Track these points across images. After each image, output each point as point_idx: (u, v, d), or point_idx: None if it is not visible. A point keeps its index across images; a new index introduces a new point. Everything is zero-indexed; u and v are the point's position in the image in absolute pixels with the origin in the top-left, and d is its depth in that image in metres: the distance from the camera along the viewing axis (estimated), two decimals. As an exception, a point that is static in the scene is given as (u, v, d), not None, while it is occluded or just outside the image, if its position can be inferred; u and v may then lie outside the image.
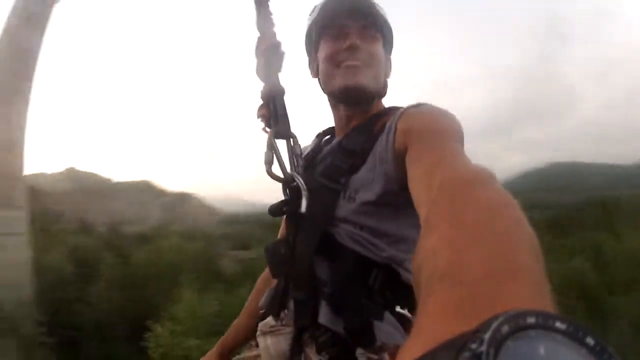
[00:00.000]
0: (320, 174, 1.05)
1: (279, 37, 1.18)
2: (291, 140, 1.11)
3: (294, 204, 1.02)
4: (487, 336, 0.23)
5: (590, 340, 0.24)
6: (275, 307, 1.07)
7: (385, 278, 0.94)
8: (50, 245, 12.34)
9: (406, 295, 0.93)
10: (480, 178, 0.54)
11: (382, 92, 1.16)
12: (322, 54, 1.14)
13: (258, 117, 1.14)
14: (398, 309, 0.94)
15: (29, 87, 10.94)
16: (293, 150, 1.09)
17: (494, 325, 0.24)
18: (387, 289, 0.94)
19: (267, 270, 1.26)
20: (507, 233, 0.40)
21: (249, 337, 1.26)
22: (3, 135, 9.92)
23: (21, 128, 10.60)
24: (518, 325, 0.24)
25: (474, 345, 0.24)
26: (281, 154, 1.07)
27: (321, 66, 1.15)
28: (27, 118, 10.98)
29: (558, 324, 0.25)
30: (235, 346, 1.33)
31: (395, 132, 0.92)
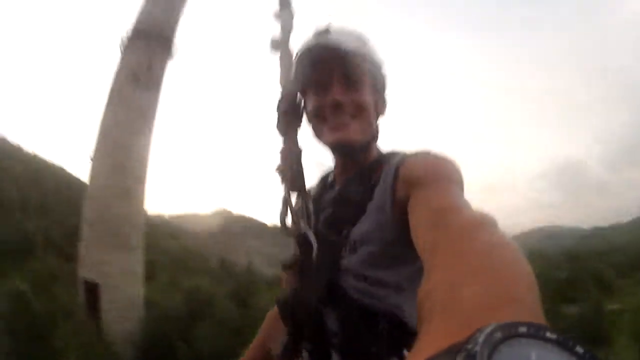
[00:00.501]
0: (323, 224, 1.08)
1: (299, 95, 1.17)
2: (305, 196, 1.10)
3: (304, 257, 1.03)
4: (481, 339, 0.25)
5: (579, 349, 0.26)
6: (288, 356, 1.08)
7: (391, 325, 0.95)
8: (169, 284, 13.52)
9: (412, 340, 0.73)
10: (481, 223, 0.56)
11: (374, 137, 1.16)
12: (308, 107, 1.14)
13: (276, 171, 1.15)
14: (405, 352, 0.94)
15: (146, 141, 12.49)
16: (306, 206, 1.08)
17: (488, 330, 0.26)
18: (394, 335, 0.94)
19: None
20: (503, 269, 0.42)
21: None
22: (122, 185, 11.31)
23: (139, 179, 12.02)
24: (510, 333, 0.26)
25: (469, 346, 0.26)
26: (294, 209, 1.09)
27: (309, 120, 1.15)
28: (146, 169, 12.46)
29: (549, 334, 0.26)
30: None
31: (395, 182, 0.94)
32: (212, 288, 13.54)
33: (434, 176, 0.84)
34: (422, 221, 0.73)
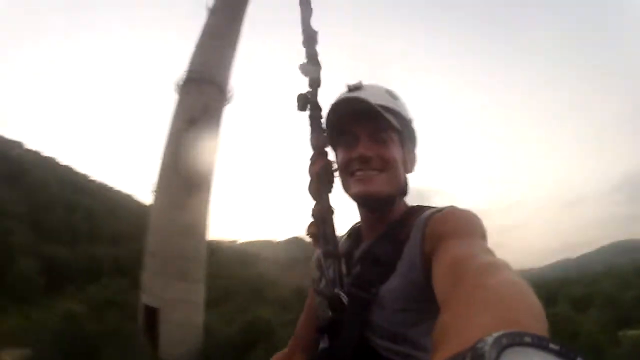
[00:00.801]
0: (352, 284, 1.05)
1: (330, 156, 1.19)
2: (337, 259, 1.10)
3: (336, 317, 1.03)
4: (489, 342, 0.28)
5: None
6: None
7: None
8: (235, 312, 14.03)
9: None
10: (493, 265, 0.60)
11: (402, 191, 1.16)
12: (337, 160, 1.17)
13: (307, 234, 1.17)
14: None
15: (208, 182, 13.41)
16: (339, 269, 1.08)
17: (496, 335, 0.28)
18: None
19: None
20: (513, 302, 0.45)
21: None
22: (184, 221, 12.20)
23: (202, 216, 12.91)
24: (515, 340, 0.28)
25: (479, 345, 0.28)
26: (327, 271, 1.09)
27: (338, 172, 1.16)
28: (209, 208, 13.33)
29: (552, 345, 0.28)
30: None
31: (422, 239, 0.96)
32: (276, 317, 13.77)
33: (455, 230, 0.88)
34: (441, 269, 0.77)
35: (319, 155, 1.18)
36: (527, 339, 0.28)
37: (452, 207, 0.99)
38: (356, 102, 1.06)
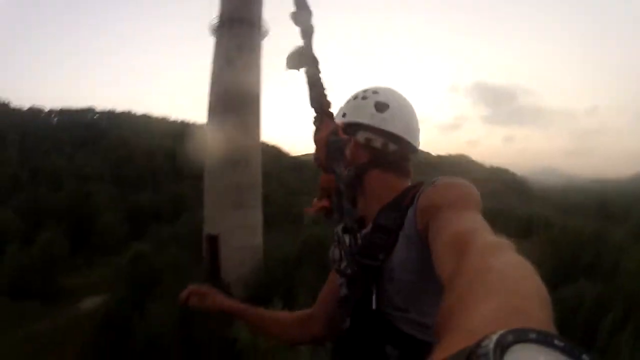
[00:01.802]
0: (360, 253, 1.02)
1: (337, 120, 1.14)
2: (355, 234, 1.05)
3: (354, 295, 1.03)
4: (493, 340, 0.28)
5: (586, 358, 0.27)
6: None
7: None
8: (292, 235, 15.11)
9: None
10: (497, 246, 0.60)
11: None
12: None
13: (315, 209, 1.13)
14: None
15: (257, 115, 14.26)
16: (355, 243, 1.04)
17: (500, 332, 0.29)
18: None
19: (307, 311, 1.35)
20: (517, 288, 0.44)
21: (259, 327, 1.41)
22: (238, 155, 13.29)
23: (252, 149, 13.95)
24: (521, 337, 0.28)
25: (483, 343, 0.28)
26: (345, 246, 1.04)
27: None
28: (259, 139, 14.32)
29: (557, 342, 0.28)
30: (252, 319, 1.39)
31: (415, 214, 0.95)
32: (328, 235, 14.65)
33: (450, 202, 0.86)
34: (440, 246, 0.74)
35: (324, 118, 1.13)
36: (532, 336, 0.29)
37: (444, 177, 0.97)
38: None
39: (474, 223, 0.75)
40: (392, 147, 1.11)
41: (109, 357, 9.41)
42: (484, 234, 0.68)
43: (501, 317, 0.38)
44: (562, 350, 0.28)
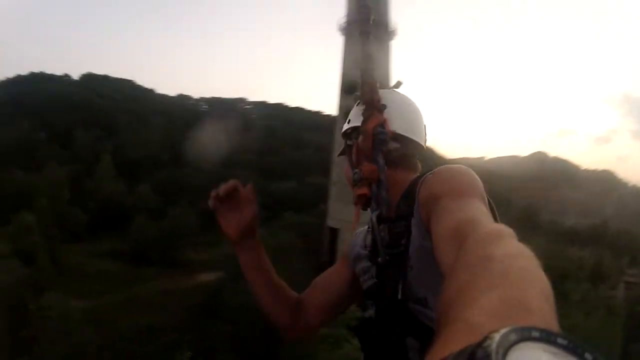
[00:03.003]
0: (384, 246, 1.03)
1: (385, 114, 1.13)
2: (389, 224, 1.05)
3: (382, 285, 1.04)
4: (496, 339, 0.27)
5: (589, 356, 0.27)
6: None
7: None
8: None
9: None
10: (499, 235, 0.58)
11: None
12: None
13: (356, 196, 1.13)
14: None
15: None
16: (388, 235, 1.05)
17: (503, 331, 0.28)
18: None
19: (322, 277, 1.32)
20: (520, 280, 0.43)
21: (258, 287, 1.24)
22: None
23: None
24: (524, 336, 0.28)
25: (485, 344, 0.27)
26: (379, 236, 1.05)
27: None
28: None
29: (560, 340, 0.28)
30: (263, 274, 1.23)
31: (418, 204, 0.96)
32: None
33: (451, 189, 0.86)
34: (441, 236, 0.74)
35: (373, 111, 1.12)
36: (535, 334, 0.28)
37: (445, 166, 0.98)
38: None
39: (474, 211, 0.74)
40: (393, 145, 1.11)
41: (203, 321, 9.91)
42: (485, 223, 0.68)
43: (502, 310, 0.37)
44: (566, 348, 0.28)
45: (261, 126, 48.60)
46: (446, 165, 0.97)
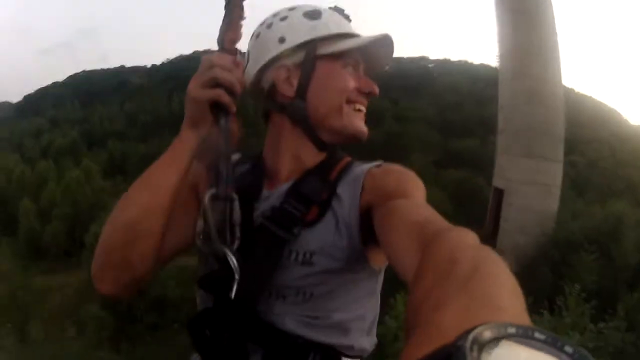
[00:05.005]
0: (267, 216, 0.88)
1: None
2: (231, 204, 0.87)
3: (222, 281, 0.83)
4: (470, 338, 0.25)
5: (568, 349, 0.26)
6: None
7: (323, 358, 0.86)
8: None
9: None
10: (462, 238, 0.57)
11: None
12: (337, 82, 0.93)
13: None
14: None
15: (554, 45, 10.88)
16: (232, 217, 0.86)
17: (477, 330, 0.26)
18: None
19: None
20: (487, 280, 0.42)
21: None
22: (531, 88, 10.37)
23: (551, 82, 10.61)
24: (500, 333, 0.26)
25: (459, 343, 0.26)
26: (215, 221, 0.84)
27: (328, 94, 0.93)
28: (558, 71, 10.88)
29: (537, 334, 0.26)
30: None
31: (362, 192, 0.86)
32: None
33: (400, 188, 0.82)
34: (400, 238, 0.70)
35: (225, 51, 0.87)
36: (511, 330, 0.26)
37: (389, 164, 0.93)
38: (387, 45, 0.95)
39: (434, 214, 0.74)
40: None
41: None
42: (447, 226, 0.67)
43: (473, 310, 0.37)
44: (545, 343, 0.26)
45: (442, 83, 46.64)
46: (389, 163, 0.92)
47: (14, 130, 59.91)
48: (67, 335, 14.07)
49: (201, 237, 0.84)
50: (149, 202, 0.81)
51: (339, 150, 0.97)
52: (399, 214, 0.75)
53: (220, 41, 0.87)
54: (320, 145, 0.94)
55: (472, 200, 16.05)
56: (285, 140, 0.94)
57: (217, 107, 0.84)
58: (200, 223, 0.84)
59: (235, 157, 0.98)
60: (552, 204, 10.00)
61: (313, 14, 0.92)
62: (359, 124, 0.94)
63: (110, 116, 54.48)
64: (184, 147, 0.85)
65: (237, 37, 0.87)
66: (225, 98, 0.82)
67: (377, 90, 0.93)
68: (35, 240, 22.75)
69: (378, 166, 0.90)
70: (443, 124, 37.02)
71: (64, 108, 69.28)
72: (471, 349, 0.25)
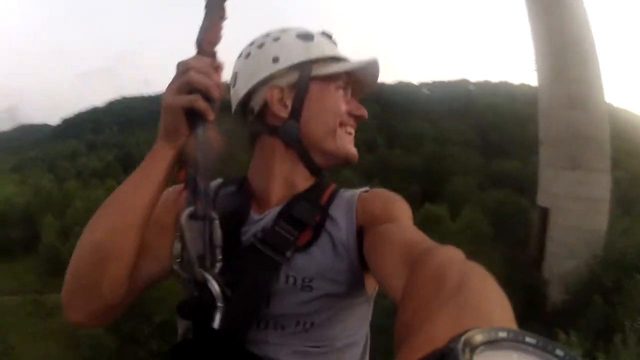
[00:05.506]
0: (259, 238, 0.84)
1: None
2: (211, 224, 0.81)
3: (204, 309, 0.78)
4: (461, 342, 0.26)
5: (559, 352, 0.26)
6: None
7: None
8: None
9: None
10: (449, 256, 0.57)
11: None
12: (331, 104, 0.92)
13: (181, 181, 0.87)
14: None
15: (591, 48, 9.93)
16: (212, 239, 0.80)
17: (468, 334, 0.27)
18: None
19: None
20: (476, 294, 0.43)
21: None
22: (572, 92, 9.45)
23: (593, 85, 9.61)
24: (490, 337, 0.27)
25: (451, 345, 0.26)
26: (192, 245, 0.78)
27: (322, 116, 0.92)
28: (598, 70, 9.86)
29: (528, 339, 0.27)
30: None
31: (355, 220, 0.86)
32: None
33: (387, 211, 0.84)
34: (389, 259, 0.71)
35: (203, 53, 0.83)
36: (502, 334, 0.27)
37: (378, 189, 0.95)
38: (374, 70, 0.96)
39: (420, 235, 0.75)
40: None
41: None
42: (434, 245, 0.67)
43: (462, 321, 0.38)
44: (535, 347, 0.27)
45: (482, 104, 45.87)
46: (379, 189, 0.94)
47: (50, 151, 62.67)
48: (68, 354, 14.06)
49: (178, 260, 0.80)
50: (119, 221, 0.77)
51: (326, 175, 0.98)
52: (386, 238, 0.75)
53: (199, 42, 0.83)
54: (314, 169, 0.94)
55: (515, 223, 15.01)
56: (277, 164, 0.92)
57: (193, 115, 0.79)
58: (177, 245, 0.80)
59: (217, 181, 0.97)
60: (601, 221, 8.82)
61: (306, 36, 0.92)
62: (350, 146, 0.94)
63: (147, 140, 56.71)
64: (157, 161, 0.81)
65: (216, 38, 0.84)
66: (201, 104, 0.77)
67: (366, 114, 0.96)
68: (55, 257, 22.81)
69: (366, 191, 0.92)
70: (484, 146, 36.06)
71: (102, 133, 72.13)
72: (463, 351, 0.25)
